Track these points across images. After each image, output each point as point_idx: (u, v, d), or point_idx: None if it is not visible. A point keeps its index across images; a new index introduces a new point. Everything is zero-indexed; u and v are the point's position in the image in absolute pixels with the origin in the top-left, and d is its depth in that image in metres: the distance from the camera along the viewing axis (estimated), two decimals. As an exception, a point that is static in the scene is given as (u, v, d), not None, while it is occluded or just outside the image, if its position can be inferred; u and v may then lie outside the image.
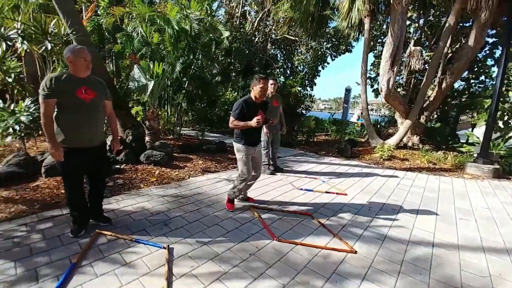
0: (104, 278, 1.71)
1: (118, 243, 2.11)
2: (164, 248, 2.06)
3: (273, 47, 15.06)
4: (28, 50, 4.23)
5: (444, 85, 6.97)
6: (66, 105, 1.99)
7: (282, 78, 13.52)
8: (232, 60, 13.97)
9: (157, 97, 4.92)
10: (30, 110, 4.13)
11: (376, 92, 8.21)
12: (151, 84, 4.56)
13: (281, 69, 15.16)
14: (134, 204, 2.85)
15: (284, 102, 8.25)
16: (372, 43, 10.65)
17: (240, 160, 2.76)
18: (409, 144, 7.39)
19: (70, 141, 2.04)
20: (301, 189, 3.76)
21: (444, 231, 2.70)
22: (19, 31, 4.07)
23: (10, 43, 4.04)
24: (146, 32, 5.49)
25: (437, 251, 2.31)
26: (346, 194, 3.65)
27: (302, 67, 14.79)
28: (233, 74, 13.43)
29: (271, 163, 4.63)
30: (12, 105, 4.19)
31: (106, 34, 5.89)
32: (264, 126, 4.26)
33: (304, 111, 11.78)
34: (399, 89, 8.92)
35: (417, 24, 9.27)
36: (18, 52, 4.34)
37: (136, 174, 3.80)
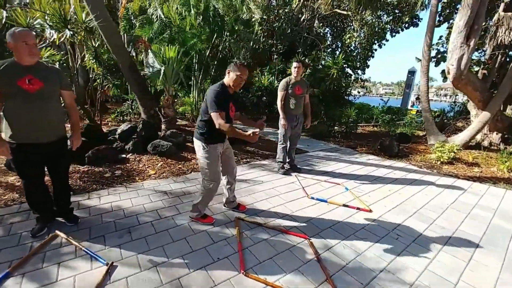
0: (20, 300, 1.48)
1: (66, 251, 1.90)
2: (107, 264, 1.76)
3: (321, 24, 13.50)
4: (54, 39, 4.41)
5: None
6: (8, 96, 1.78)
7: (329, 59, 12.07)
8: (274, 41, 13.12)
9: (171, 83, 4.68)
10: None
11: (443, 74, 6.43)
12: (163, 69, 4.30)
13: (329, 49, 13.58)
14: (114, 202, 2.66)
15: (320, 88, 7.26)
16: (446, 10, 8.38)
17: (205, 163, 2.19)
18: (485, 143, 5.66)
19: (17, 136, 1.84)
20: (313, 198, 3.06)
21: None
22: (47, 20, 4.24)
23: (39, 32, 4.26)
24: (167, 14, 5.24)
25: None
26: (370, 211, 2.82)
27: (354, 46, 12.94)
28: (275, 56, 12.61)
29: (287, 160, 3.98)
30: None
31: (133, 19, 5.88)
32: (282, 117, 3.62)
33: (352, 97, 10.35)
34: (476, 69, 6.85)
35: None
36: (50, 41, 4.57)
37: (137, 166, 3.67)
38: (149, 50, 4.55)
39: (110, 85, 5.61)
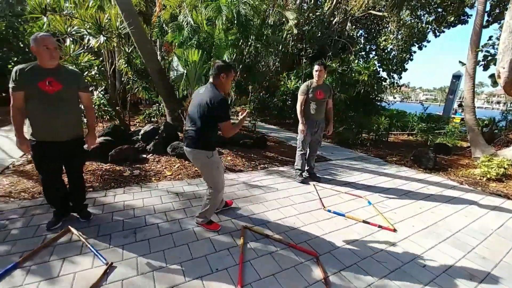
0: (20, 292, 1.53)
1: (74, 246, 1.96)
2: (106, 264, 1.76)
3: (353, 26, 12.95)
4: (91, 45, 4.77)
5: None
6: (30, 97, 1.90)
7: (360, 63, 11.46)
8: (304, 45, 12.90)
9: (194, 86, 4.76)
10: (94, 99, 4.70)
11: (493, 78, 5.63)
12: (185, 72, 4.40)
13: (362, 52, 12.94)
14: (127, 201, 2.72)
15: (348, 93, 6.86)
16: (495, 10, 7.44)
17: (212, 172, 2.15)
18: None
19: (36, 134, 1.96)
20: (329, 211, 2.83)
21: None
22: (87, 28, 4.61)
23: (76, 39, 4.64)
24: (196, 20, 5.39)
25: None
26: (394, 230, 2.51)
27: (390, 48, 12.16)
28: (304, 60, 12.39)
29: (306, 168, 3.77)
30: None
31: (164, 26, 6.15)
32: (301, 122, 3.47)
33: (386, 103, 9.67)
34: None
35: None
36: (89, 47, 4.96)
37: (156, 166, 3.76)
38: (174, 54, 4.68)
39: (140, 88, 5.92)
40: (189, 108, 2.15)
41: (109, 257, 1.83)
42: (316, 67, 3.40)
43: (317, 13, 12.33)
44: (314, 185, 3.51)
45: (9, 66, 8.35)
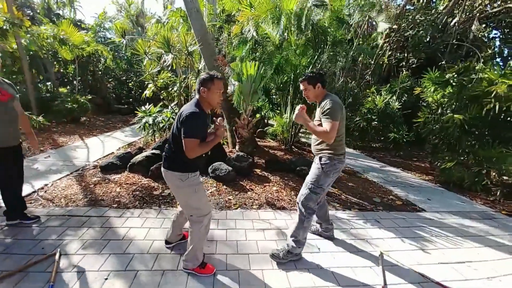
0: None
1: (40, 279, 1.71)
2: None
3: (483, 26, 9.76)
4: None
5: None
6: None
7: (493, 71, 8.17)
8: (405, 54, 10.69)
9: (249, 102, 4.31)
10: (155, 114, 5.02)
11: None
12: (237, 87, 4.02)
13: (497, 58, 9.50)
14: (134, 228, 2.42)
15: (469, 113, 4.76)
16: None
17: (192, 196, 1.78)
18: None
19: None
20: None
21: None
22: (160, 47, 5.02)
23: (152, 58, 5.13)
24: (261, 34, 5.06)
25: None
26: None
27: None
28: (404, 72, 10.29)
29: (320, 222, 2.49)
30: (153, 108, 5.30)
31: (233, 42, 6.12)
32: (316, 152, 2.20)
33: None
34: None
35: None
36: (165, 65, 5.40)
37: (189, 187, 3.43)
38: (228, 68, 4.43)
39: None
40: None
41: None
42: (301, 86, 2.17)
43: (427, 16, 10.01)
44: (380, 254, 2.27)
45: None
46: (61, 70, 10.06)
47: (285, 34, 5.18)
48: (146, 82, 5.58)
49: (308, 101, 2.22)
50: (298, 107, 2.04)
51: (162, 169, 1.80)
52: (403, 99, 7.68)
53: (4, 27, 4.06)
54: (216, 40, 8.83)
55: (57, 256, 1.93)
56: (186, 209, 1.84)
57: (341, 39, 5.52)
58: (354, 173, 4.85)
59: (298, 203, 2.14)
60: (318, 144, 2.11)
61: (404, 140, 6.53)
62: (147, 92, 5.48)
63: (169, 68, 5.89)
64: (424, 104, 7.38)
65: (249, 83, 4.12)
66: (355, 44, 6.32)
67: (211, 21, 7.47)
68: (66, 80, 10.61)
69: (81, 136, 6.17)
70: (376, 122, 6.93)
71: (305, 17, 4.62)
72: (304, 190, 2.11)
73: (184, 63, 5.45)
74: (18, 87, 6.70)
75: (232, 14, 6.93)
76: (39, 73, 8.86)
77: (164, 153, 1.84)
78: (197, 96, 1.80)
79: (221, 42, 8.02)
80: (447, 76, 5.25)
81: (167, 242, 2.15)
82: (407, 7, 10.95)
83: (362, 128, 7.15)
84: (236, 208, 2.99)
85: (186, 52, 4.92)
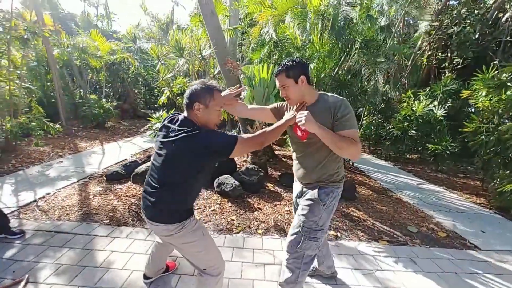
0: None
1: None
2: None
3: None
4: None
5: None
6: None
7: None
8: (449, 54, 9.51)
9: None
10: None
11: None
12: (251, 91, 3.65)
13: None
14: (116, 252, 2.13)
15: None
16: None
17: (200, 249, 1.38)
18: None
19: None
20: None
21: None
22: (174, 53, 4.87)
23: (165, 63, 5.00)
24: (281, 35, 4.68)
25: None
26: None
27: None
28: (446, 74, 9.23)
29: (323, 261, 1.90)
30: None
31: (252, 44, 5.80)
32: (316, 179, 1.54)
33: None
34: None
35: None
36: (179, 70, 5.27)
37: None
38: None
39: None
40: None
41: None
42: (276, 83, 1.53)
43: (475, 10, 8.82)
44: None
45: None
46: (94, 78, 10.64)
47: (311, 35, 4.73)
48: (162, 88, 5.51)
49: (289, 104, 1.56)
50: (293, 108, 1.48)
51: (146, 219, 1.36)
52: (447, 104, 6.68)
53: (25, 36, 4.21)
54: (239, 45, 8.60)
55: (22, 284, 1.71)
56: (198, 265, 1.41)
57: (372, 38, 4.89)
58: (385, 191, 4.16)
59: (288, 252, 1.45)
60: (321, 167, 1.48)
61: (448, 152, 5.58)
62: (163, 98, 5.38)
63: (185, 74, 5.75)
64: (473, 111, 6.32)
65: (262, 88, 3.74)
66: (388, 43, 5.61)
67: (232, 25, 7.27)
68: (98, 87, 11.22)
69: (102, 141, 6.28)
70: (414, 132, 6.05)
71: (334, 15, 4.10)
72: (298, 237, 1.43)
73: (200, 68, 5.26)
74: (51, 94, 7.08)
75: (254, 17, 6.66)
76: (74, 80, 9.43)
77: (145, 195, 1.35)
78: (185, 114, 1.36)
79: (245, 48, 7.76)
80: (503, 77, 4.34)
81: (145, 276, 1.82)
82: (450, 2, 9.78)
83: (396, 137, 6.31)
84: (238, 232, 2.58)
85: (199, 56, 4.70)
